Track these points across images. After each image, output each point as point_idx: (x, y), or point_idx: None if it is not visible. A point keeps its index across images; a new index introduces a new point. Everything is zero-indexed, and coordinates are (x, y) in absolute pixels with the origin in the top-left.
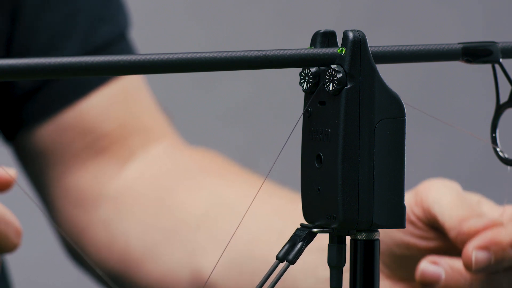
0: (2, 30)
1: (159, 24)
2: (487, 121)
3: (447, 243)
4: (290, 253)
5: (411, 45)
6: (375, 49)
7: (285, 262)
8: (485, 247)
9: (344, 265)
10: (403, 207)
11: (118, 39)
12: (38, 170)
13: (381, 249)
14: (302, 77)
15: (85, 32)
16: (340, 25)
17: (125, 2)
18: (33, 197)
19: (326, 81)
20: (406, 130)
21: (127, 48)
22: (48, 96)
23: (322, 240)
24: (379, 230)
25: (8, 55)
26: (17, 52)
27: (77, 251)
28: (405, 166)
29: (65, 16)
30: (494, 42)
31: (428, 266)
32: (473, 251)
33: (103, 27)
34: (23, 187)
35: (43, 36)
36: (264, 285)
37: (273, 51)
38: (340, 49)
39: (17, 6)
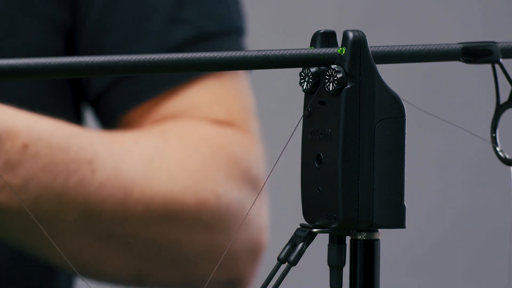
0: (61, 21)
1: None
2: (487, 121)
3: None
4: (291, 254)
5: (411, 45)
6: (375, 49)
7: (287, 263)
8: None
9: (344, 265)
10: (403, 207)
11: (194, 42)
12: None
13: None
14: (302, 77)
15: (159, 33)
16: (340, 25)
17: (213, 6)
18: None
19: (326, 81)
20: (406, 130)
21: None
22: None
23: None
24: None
25: (70, 48)
26: (86, 49)
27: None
28: (405, 166)
29: (138, 17)
30: (494, 42)
31: None
32: None
33: (177, 28)
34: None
35: (114, 36)
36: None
37: (273, 51)
38: (340, 49)
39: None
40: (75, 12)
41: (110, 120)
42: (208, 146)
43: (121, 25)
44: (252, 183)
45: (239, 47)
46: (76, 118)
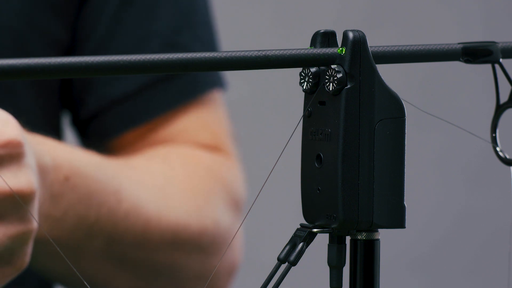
0: (60, 40)
1: None
2: (487, 121)
3: None
4: (291, 254)
5: (411, 45)
6: (375, 49)
7: (287, 263)
8: None
9: (344, 265)
10: (403, 207)
11: None
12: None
13: None
14: (302, 77)
15: None
16: (340, 25)
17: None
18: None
19: (326, 81)
20: (406, 130)
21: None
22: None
23: None
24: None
25: None
26: None
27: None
28: (405, 166)
29: (137, 40)
30: (494, 42)
31: None
32: None
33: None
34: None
35: None
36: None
37: (273, 51)
38: (340, 49)
39: (84, 23)
40: (76, 33)
41: (101, 140)
42: (204, 171)
43: (121, 48)
44: (237, 206)
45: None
46: (57, 133)
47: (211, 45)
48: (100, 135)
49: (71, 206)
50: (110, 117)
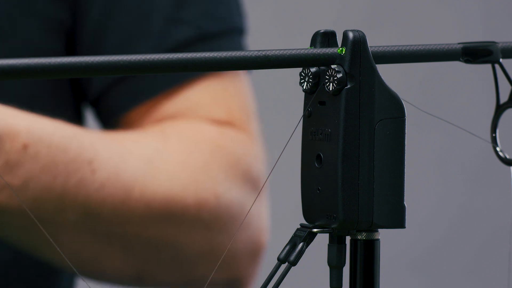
0: (61, 21)
1: None
2: (487, 121)
3: None
4: (291, 254)
5: (411, 45)
6: (375, 49)
7: (287, 263)
8: None
9: (344, 265)
10: (403, 207)
11: (193, 42)
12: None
13: None
14: (302, 77)
15: (159, 33)
16: (340, 25)
17: (213, 6)
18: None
19: (326, 81)
20: (406, 130)
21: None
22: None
23: None
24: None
25: (70, 48)
26: (86, 49)
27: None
28: (405, 166)
29: (138, 16)
30: (494, 42)
31: None
32: None
33: (177, 28)
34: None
35: (114, 36)
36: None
37: (273, 51)
38: (340, 49)
39: (82, 3)
40: (75, 13)
41: (110, 119)
42: (208, 146)
43: (121, 25)
44: (252, 183)
45: (239, 47)
46: (77, 118)
47: (222, 18)
48: (108, 114)
49: (32, 175)
50: (114, 95)
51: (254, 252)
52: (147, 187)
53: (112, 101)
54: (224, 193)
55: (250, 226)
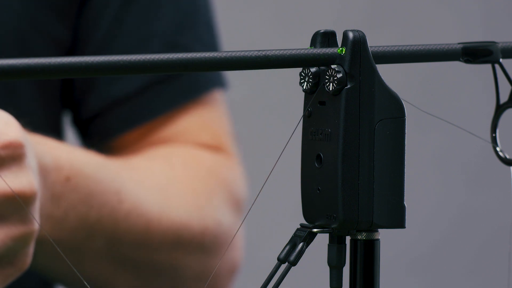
0: (61, 40)
1: None
2: (487, 121)
3: None
4: (291, 254)
5: (411, 45)
6: (375, 49)
7: (287, 263)
8: None
9: (344, 265)
10: (403, 207)
11: None
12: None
13: None
14: (302, 77)
15: None
16: (340, 25)
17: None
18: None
19: (326, 81)
20: (406, 130)
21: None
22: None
23: None
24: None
25: None
26: None
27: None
28: (405, 166)
29: (138, 41)
30: (494, 42)
31: None
32: None
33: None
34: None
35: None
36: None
37: (273, 51)
38: (340, 49)
39: (85, 23)
40: (77, 34)
41: (102, 140)
42: (206, 172)
43: (122, 48)
44: (238, 206)
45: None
46: (57, 128)
47: (212, 45)
48: (101, 135)
49: (72, 206)
50: (111, 117)
51: (233, 270)
52: (163, 215)
53: (108, 122)
54: (222, 218)
55: (233, 247)
